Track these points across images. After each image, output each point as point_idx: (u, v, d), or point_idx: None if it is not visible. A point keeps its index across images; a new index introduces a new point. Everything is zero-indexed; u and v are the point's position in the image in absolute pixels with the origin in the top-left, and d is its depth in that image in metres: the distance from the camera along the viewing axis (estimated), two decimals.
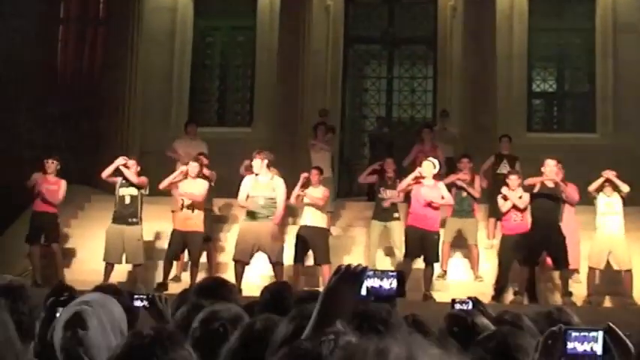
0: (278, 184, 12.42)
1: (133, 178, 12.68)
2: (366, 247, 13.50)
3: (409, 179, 12.61)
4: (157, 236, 14.09)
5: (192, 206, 12.70)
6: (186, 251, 12.84)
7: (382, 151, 15.78)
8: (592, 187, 12.59)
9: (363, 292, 2.73)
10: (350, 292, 2.68)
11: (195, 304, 4.18)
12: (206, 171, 13.41)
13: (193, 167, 12.88)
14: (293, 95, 16.87)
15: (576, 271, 12.88)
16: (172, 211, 13.13)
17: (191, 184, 12.85)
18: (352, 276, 2.68)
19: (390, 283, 2.88)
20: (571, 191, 12.62)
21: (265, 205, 12.31)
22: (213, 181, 13.53)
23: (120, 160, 12.77)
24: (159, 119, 18.09)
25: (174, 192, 13.08)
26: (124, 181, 12.82)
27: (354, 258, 12.92)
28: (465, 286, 12.69)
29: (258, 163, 12.44)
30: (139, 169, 12.90)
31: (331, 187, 14.22)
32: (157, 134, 17.26)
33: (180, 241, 12.66)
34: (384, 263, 13.17)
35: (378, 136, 17.34)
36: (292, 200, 12.61)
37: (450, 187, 13.01)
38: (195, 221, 12.70)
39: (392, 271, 2.97)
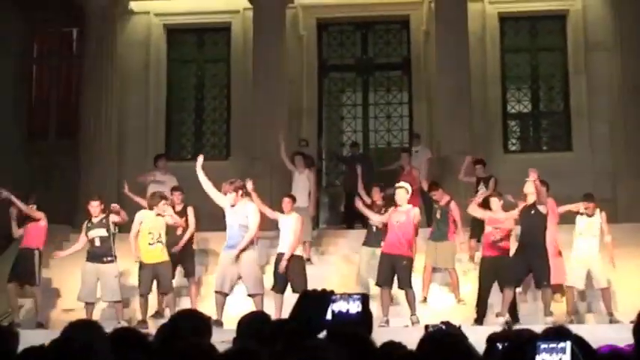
0: (250, 210, 12.13)
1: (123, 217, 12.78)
2: (356, 274, 13.29)
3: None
4: (129, 272, 13.83)
5: (156, 239, 12.55)
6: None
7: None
8: (563, 209, 12.79)
9: (329, 315, 2.68)
10: (315, 314, 2.63)
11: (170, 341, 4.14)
12: (176, 207, 13.32)
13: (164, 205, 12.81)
14: (269, 126, 16.72)
15: (560, 289, 12.83)
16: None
17: (155, 220, 12.70)
18: (317, 299, 2.64)
19: (356, 307, 2.84)
20: (551, 206, 12.69)
21: (239, 232, 12.07)
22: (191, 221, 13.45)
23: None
24: (135, 157, 17.94)
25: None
26: (89, 224, 12.73)
27: (334, 286, 12.64)
28: (447, 311, 12.60)
29: (231, 196, 12.20)
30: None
31: (307, 217, 14.09)
32: (134, 172, 17.09)
33: (150, 274, 12.53)
34: (376, 289, 12.86)
35: (348, 158, 17.31)
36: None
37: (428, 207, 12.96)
38: (160, 252, 12.57)
39: (357, 294, 2.92)
